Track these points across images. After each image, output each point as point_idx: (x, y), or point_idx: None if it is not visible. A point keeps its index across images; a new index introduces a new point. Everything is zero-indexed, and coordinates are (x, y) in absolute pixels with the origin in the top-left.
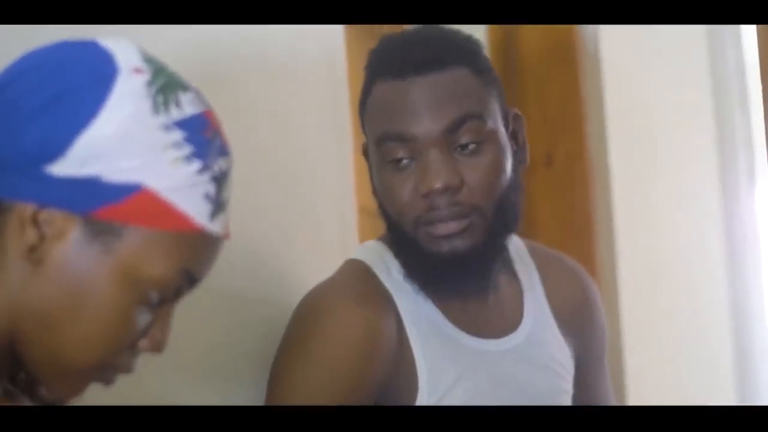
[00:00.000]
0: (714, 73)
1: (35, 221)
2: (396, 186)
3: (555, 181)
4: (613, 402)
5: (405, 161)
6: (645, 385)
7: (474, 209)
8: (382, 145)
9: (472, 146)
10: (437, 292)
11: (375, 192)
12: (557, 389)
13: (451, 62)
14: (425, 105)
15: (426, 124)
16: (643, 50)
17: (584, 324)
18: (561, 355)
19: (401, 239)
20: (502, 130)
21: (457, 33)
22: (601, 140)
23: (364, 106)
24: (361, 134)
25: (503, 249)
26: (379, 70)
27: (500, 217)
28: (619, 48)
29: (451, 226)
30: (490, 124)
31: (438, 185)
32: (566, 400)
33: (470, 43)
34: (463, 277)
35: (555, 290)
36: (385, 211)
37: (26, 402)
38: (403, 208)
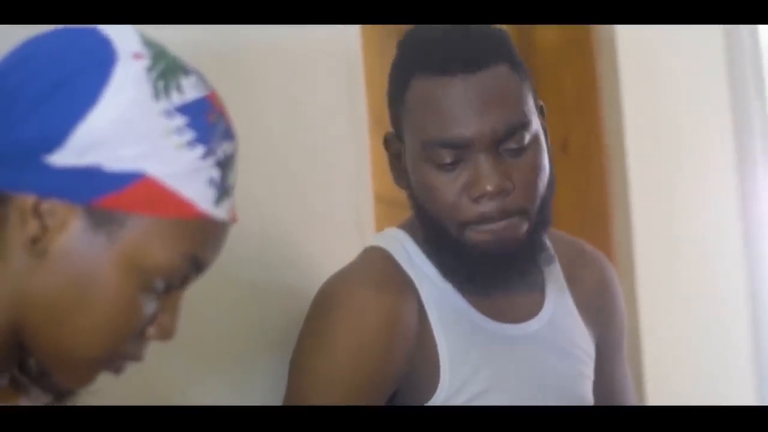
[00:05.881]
0: (730, 57)
1: (37, 212)
2: (440, 186)
3: (571, 167)
4: (631, 389)
5: (450, 162)
6: (662, 371)
7: (520, 212)
8: (432, 150)
9: (518, 147)
10: (476, 286)
11: (400, 184)
12: (579, 374)
13: (493, 59)
14: (477, 108)
15: (478, 129)
16: (659, 35)
17: (604, 310)
18: (582, 341)
19: (441, 238)
20: (539, 125)
21: (488, 26)
22: (617, 125)
23: (399, 100)
24: (380, 122)
25: (544, 243)
26: (419, 64)
27: (541, 213)
28: (635, 33)
29: (500, 227)
30: (534, 126)
31: (490, 188)
32: (587, 386)
33: (502, 35)
34: (506, 274)
35: (575, 276)
36: (420, 207)
37: (35, 390)
38: (447, 209)
